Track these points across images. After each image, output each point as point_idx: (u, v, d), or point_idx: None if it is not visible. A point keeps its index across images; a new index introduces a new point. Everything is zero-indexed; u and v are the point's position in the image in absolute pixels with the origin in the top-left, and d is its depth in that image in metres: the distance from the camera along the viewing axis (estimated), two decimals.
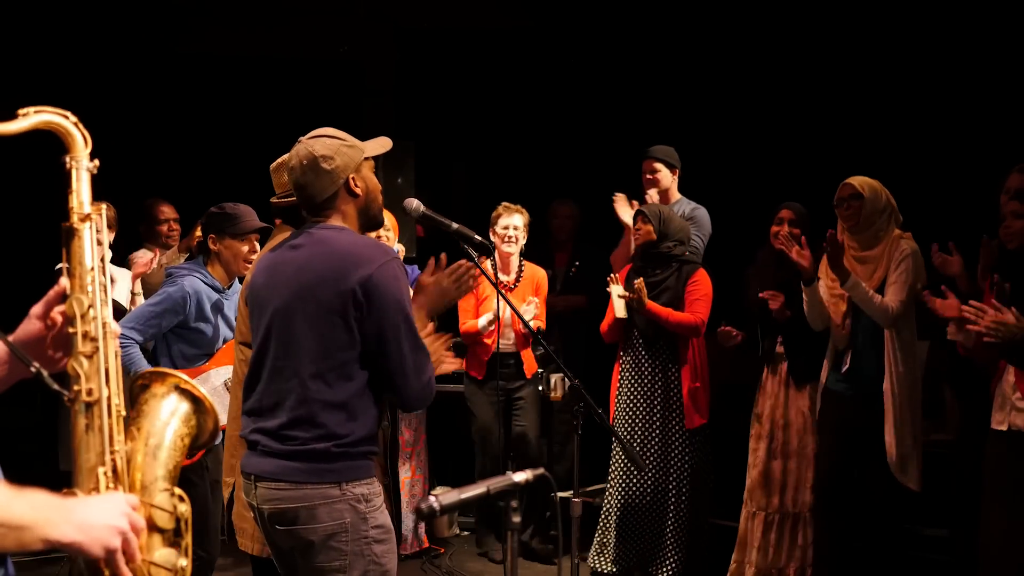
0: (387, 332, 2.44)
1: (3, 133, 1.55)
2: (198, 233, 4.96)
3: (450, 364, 2.80)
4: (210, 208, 3.98)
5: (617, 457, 4.77)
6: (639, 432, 4.68)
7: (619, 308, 4.66)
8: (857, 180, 4.18)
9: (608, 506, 4.78)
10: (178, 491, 1.71)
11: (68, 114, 1.65)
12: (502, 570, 4.99)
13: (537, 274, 5.28)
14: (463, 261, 2.75)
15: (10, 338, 1.71)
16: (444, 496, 1.84)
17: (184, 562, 1.70)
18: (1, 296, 1.66)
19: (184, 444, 1.76)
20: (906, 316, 4.09)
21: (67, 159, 1.65)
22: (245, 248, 3.92)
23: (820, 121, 6.08)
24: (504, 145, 7.21)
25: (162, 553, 1.67)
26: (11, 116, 1.57)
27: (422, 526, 5.40)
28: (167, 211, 5.34)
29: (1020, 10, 5.42)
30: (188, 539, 1.71)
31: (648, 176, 5.08)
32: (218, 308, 3.98)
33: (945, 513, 4.78)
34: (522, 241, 5.18)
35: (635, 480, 4.69)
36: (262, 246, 3.61)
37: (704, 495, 4.69)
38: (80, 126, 1.66)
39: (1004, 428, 3.44)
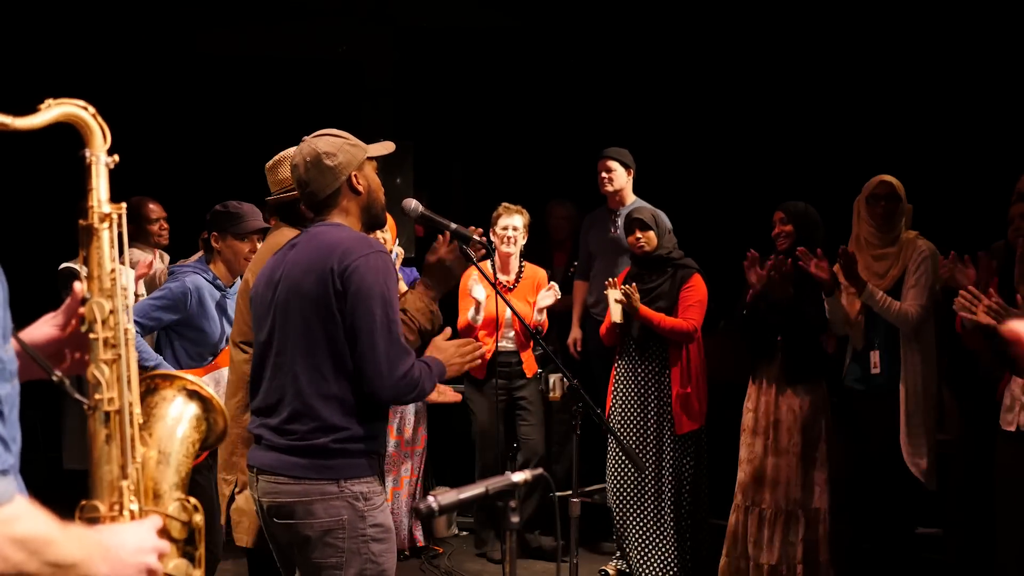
0: (360, 320, 2.42)
1: (26, 128, 1.47)
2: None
3: (447, 397, 2.80)
4: (215, 206, 3.96)
5: (612, 460, 4.80)
6: (634, 436, 4.72)
7: (615, 313, 4.67)
8: (893, 180, 4.13)
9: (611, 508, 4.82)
10: (192, 500, 1.66)
11: (87, 105, 1.57)
12: (501, 570, 4.99)
13: (537, 274, 5.27)
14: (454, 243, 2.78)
15: (22, 337, 1.65)
16: (443, 496, 1.84)
17: (197, 574, 1.65)
18: (13, 291, 1.59)
19: (194, 449, 1.71)
20: (927, 317, 4.08)
21: (86, 153, 1.58)
22: (246, 248, 3.90)
23: (822, 122, 6.07)
24: (503, 145, 7.21)
25: (175, 564, 1.63)
26: (27, 111, 1.48)
27: (417, 525, 5.38)
28: (156, 209, 5.25)
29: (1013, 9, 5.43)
30: (202, 550, 1.66)
31: (604, 175, 5.30)
32: (221, 306, 3.97)
33: (941, 512, 4.77)
34: (521, 242, 5.18)
35: (630, 483, 4.73)
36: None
37: (700, 498, 4.72)
38: (99, 118, 1.59)
39: (1013, 429, 3.48)
